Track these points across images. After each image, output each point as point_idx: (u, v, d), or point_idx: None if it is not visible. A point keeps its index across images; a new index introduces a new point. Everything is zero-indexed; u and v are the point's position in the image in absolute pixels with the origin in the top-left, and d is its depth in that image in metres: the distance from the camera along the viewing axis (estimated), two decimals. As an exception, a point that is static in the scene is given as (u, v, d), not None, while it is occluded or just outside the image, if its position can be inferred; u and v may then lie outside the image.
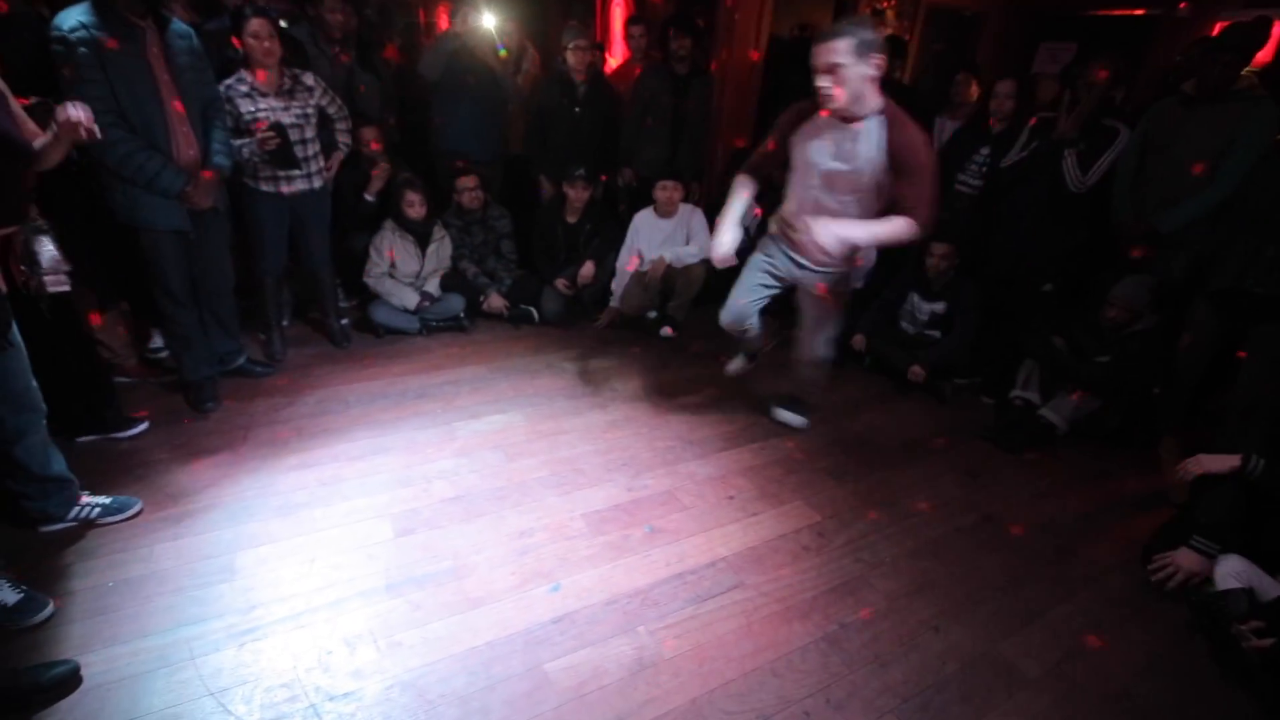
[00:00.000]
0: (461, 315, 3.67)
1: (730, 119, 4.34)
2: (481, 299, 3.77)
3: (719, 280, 4.00)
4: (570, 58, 3.75)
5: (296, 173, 2.88)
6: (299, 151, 2.87)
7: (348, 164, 3.37)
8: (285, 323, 3.44)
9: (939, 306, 3.33)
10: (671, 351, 3.64)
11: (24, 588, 1.75)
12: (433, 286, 3.64)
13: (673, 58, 3.88)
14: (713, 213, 4.10)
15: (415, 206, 3.47)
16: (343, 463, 2.44)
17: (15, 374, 1.81)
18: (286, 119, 2.79)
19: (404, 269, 3.57)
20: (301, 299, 3.65)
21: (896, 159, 2.15)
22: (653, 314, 3.96)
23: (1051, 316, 3.05)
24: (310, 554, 2.01)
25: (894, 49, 3.94)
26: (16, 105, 1.84)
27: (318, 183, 3.02)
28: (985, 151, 3.35)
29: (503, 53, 3.77)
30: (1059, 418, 2.90)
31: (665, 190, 3.71)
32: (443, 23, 5.08)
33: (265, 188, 2.86)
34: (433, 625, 1.80)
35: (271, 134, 2.70)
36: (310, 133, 2.92)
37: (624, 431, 2.80)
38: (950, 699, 1.71)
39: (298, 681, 1.62)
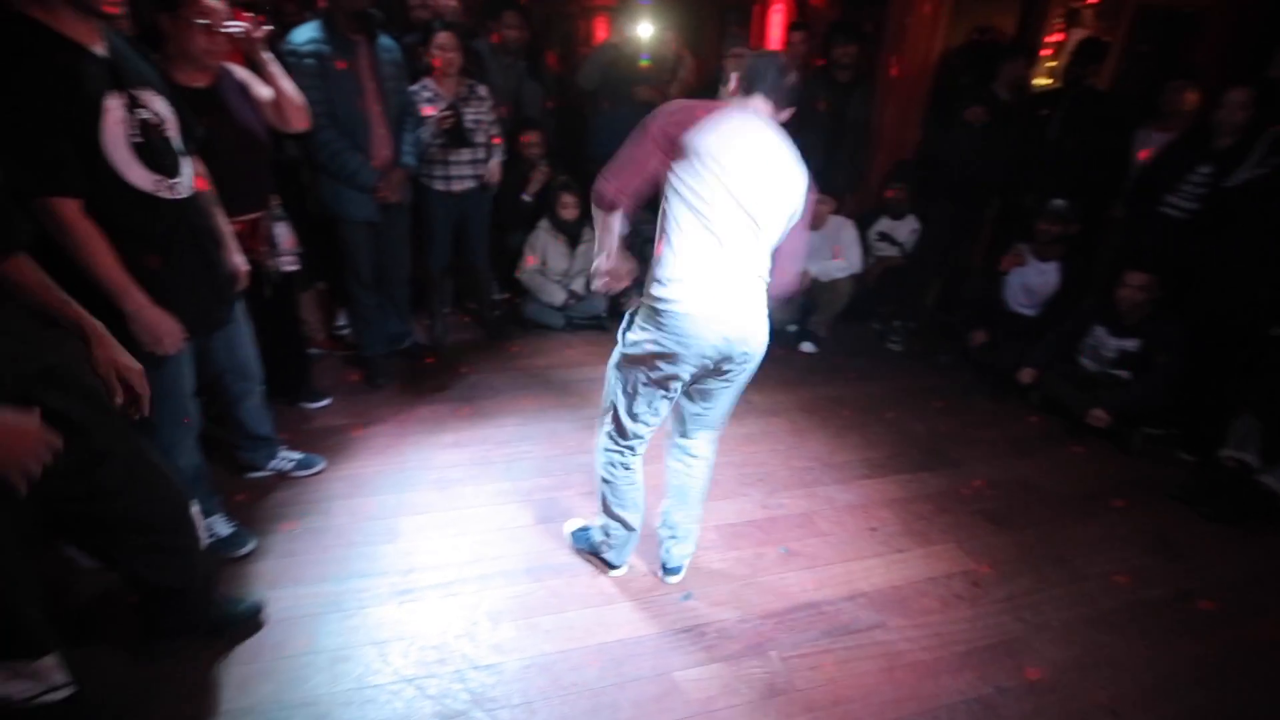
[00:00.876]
0: (603, 314, 3.78)
1: (893, 129, 4.11)
2: (622, 300, 3.85)
3: (864, 297, 3.84)
4: (728, 64, 3.73)
5: (466, 154, 3.09)
6: (468, 155, 3.10)
7: (508, 167, 3.59)
8: (446, 310, 3.72)
9: (1130, 344, 2.93)
10: (811, 368, 3.51)
11: (235, 524, 2.03)
12: (579, 285, 3.78)
13: (835, 65, 3.75)
14: (865, 224, 3.93)
15: (569, 208, 3.63)
16: (491, 446, 2.60)
17: (240, 345, 2.09)
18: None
19: (554, 267, 3.74)
20: (460, 290, 3.94)
21: None
22: (792, 328, 3.85)
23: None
24: (460, 528, 2.15)
25: (1091, 52, 3.54)
26: (259, 88, 2.09)
27: (481, 183, 3.23)
28: (1205, 170, 2.91)
29: (645, 62, 3.83)
30: (1285, 486, 2.44)
31: (813, 204, 3.58)
32: (600, 33, 5.28)
33: (438, 186, 3.12)
34: (568, 614, 1.85)
35: (450, 113, 2.92)
36: (480, 137, 3.14)
37: (759, 446, 2.73)
38: (1133, 797, 1.49)
39: (447, 646, 1.73)
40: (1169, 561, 2.25)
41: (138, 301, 1.49)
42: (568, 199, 3.60)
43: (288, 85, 2.12)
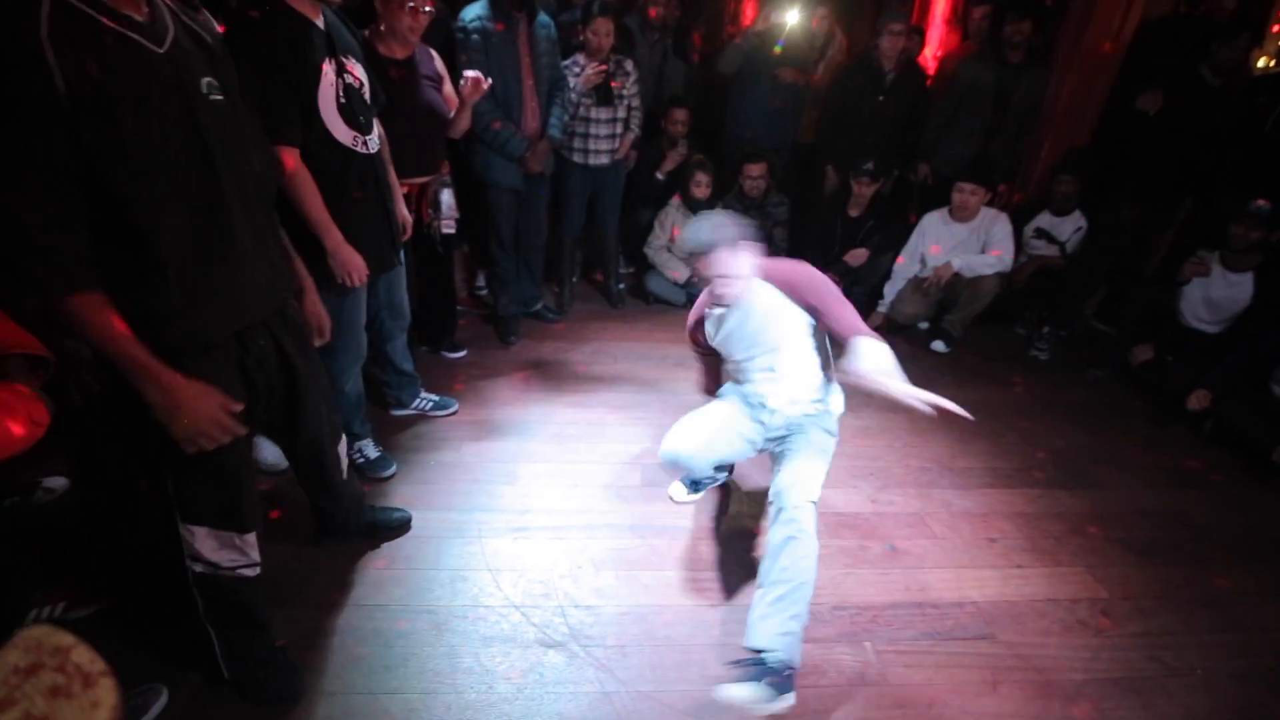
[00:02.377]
0: (725, 295, 3.78)
1: (1068, 115, 3.71)
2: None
3: (1010, 298, 3.54)
4: (884, 42, 3.55)
5: (604, 129, 3.19)
6: (608, 130, 3.20)
7: (646, 143, 3.67)
8: (574, 279, 3.91)
9: (1342, 375, 2.50)
10: (940, 368, 3.32)
11: (381, 449, 2.30)
12: (703, 264, 3.81)
13: (1006, 44, 3.45)
14: (1021, 219, 3.60)
15: (702, 187, 3.65)
16: (607, 409, 2.72)
17: (398, 287, 2.34)
18: None
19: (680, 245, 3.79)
20: (588, 260, 4.11)
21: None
22: (924, 325, 3.65)
23: None
24: (573, 480, 2.30)
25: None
26: (449, 86, 2.36)
27: (614, 159, 3.33)
28: None
29: (778, 49, 3.71)
30: None
31: (963, 193, 3.35)
32: (748, 14, 5.19)
33: (576, 159, 3.26)
34: (667, 572, 1.93)
35: (602, 67, 3.02)
36: (621, 112, 3.23)
37: (875, 441, 2.65)
38: None
39: (552, 582, 1.88)
40: (1361, 629, 1.93)
41: (336, 239, 1.74)
42: (701, 178, 3.63)
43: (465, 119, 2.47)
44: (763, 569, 1.62)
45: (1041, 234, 3.60)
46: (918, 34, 4.20)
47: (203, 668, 1.51)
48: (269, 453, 2.20)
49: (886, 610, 1.86)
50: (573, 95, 3.05)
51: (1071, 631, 1.83)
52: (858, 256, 3.65)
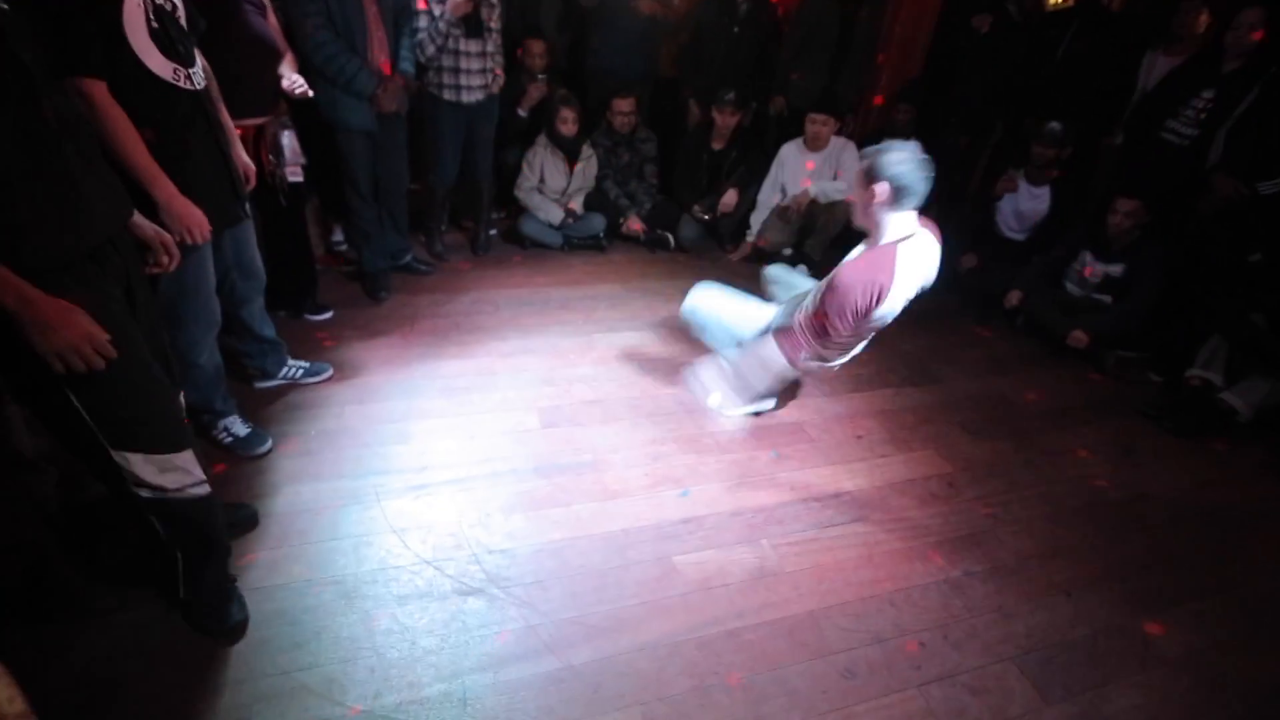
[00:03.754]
0: (601, 235, 3.79)
1: (902, 46, 4.01)
2: (621, 220, 3.86)
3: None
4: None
5: (476, 63, 2.98)
6: (479, 64, 3.00)
7: (506, 79, 3.49)
8: (443, 228, 3.71)
9: (1115, 269, 3.02)
10: (805, 290, 3.58)
11: (251, 424, 2.11)
12: (577, 204, 3.77)
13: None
14: (866, 147, 3.89)
15: (568, 124, 3.56)
16: (495, 358, 2.68)
17: (247, 243, 2.10)
18: None
19: (552, 185, 3.71)
20: (455, 207, 3.90)
21: None
22: (788, 251, 3.89)
23: (1254, 290, 2.69)
24: (469, 431, 2.26)
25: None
26: (274, 15, 2.08)
27: (492, 93, 3.15)
28: (1208, 95, 2.91)
29: None
30: (1244, 403, 2.60)
31: (815, 124, 3.55)
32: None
33: (448, 96, 3.03)
34: (574, 507, 1.99)
35: None
36: (490, 45, 3.04)
37: (754, 362, 2.84)
38: (1076, 659, 1.69)
39: (462, 533, 1.87)
40: (1130, 468, 2.43)
41: (168, 190, 1.51)
42: (567, 114, 3.53)
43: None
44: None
45: (883, 160, 3.92)
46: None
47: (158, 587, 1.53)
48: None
49: (776, 509, 2.06)
50: (441, 25, 2.80)
51: (926, 504, 2.15)
52: (728, 203, 3.78)
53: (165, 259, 1.43)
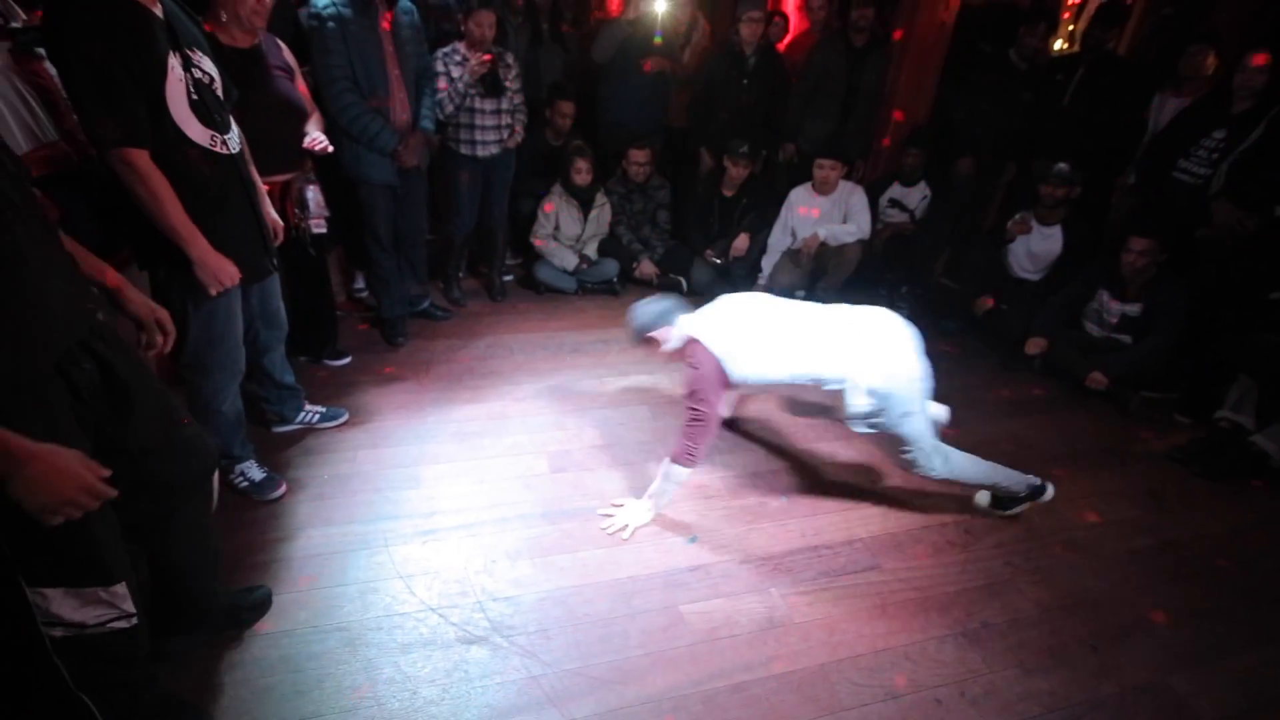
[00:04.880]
0: (614, 279, 3.85)
1: (907, 93, 4.09)
2: (634, 265, 3.92)
3: (872, 263, 3.88)
4: (743, 29, 3.73)
5: (491, 120, 3.11)
6: (494, 121, 3.13)
7: (526, 132, 3.63)
8: (461, 275, 3.81)
9: (1133, 308, 2.98)
10: (818, 332, 3.58)
11: (267, 469, 2.16)
12: (591, 250, 3.85)
13: (851, 28, 3.74)
14: (876, 191, 3.94)
15: (583, 173, 3.67)
16: (508, 402, 2.71)
17: (272, 295, 2.19)
18: None
19: (566, 232, 3.80)
20: (472, 254, 4.01)
21: None
22: (800, 294, 3.90)
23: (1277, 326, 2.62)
24: (479, 476, 2.27)
25: (1111, 15, 3.50)
26: (301, 80, 2.23)
27: (508, 147, 3.27)
28: (1219, 135, 2.91)
29: (658, 39, 3.83)
30: (1277, 447, 2.51)
31: (823, 169, 3.61)
32: (614, 3, 5.24)
33: (464, 151, 3.16)
34: (581, 553, 1.98)
35: (488, 56, 2.93)
36: (505, 103, 3.18)
37: (764, 404, 2.83)
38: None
39: (468, 580, 1.86)
40: (1158, 514, 2.34)
41: (203, 247, 1.61)
42: (582, 164, 3.65)
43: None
44: None
45: (895, 204, 3.96)
46: (781, 18, 4.44)
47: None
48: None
49: (787, 557, 2.02)
50: (460, 86, 2.95)
51: (942, 552, 2.09)
52: (740, 247, 3.84)
53: (159, 338, 1.37)
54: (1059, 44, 4.45)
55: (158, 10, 1.47)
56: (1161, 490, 2.47)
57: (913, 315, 3.72)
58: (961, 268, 3.88)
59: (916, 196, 3.93)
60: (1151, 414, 2.96)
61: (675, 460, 1.97)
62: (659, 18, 3.79)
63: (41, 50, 1.76)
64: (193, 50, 1.56)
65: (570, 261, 3.77)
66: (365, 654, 1.64)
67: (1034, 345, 3.15)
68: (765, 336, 2.02)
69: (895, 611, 1.85)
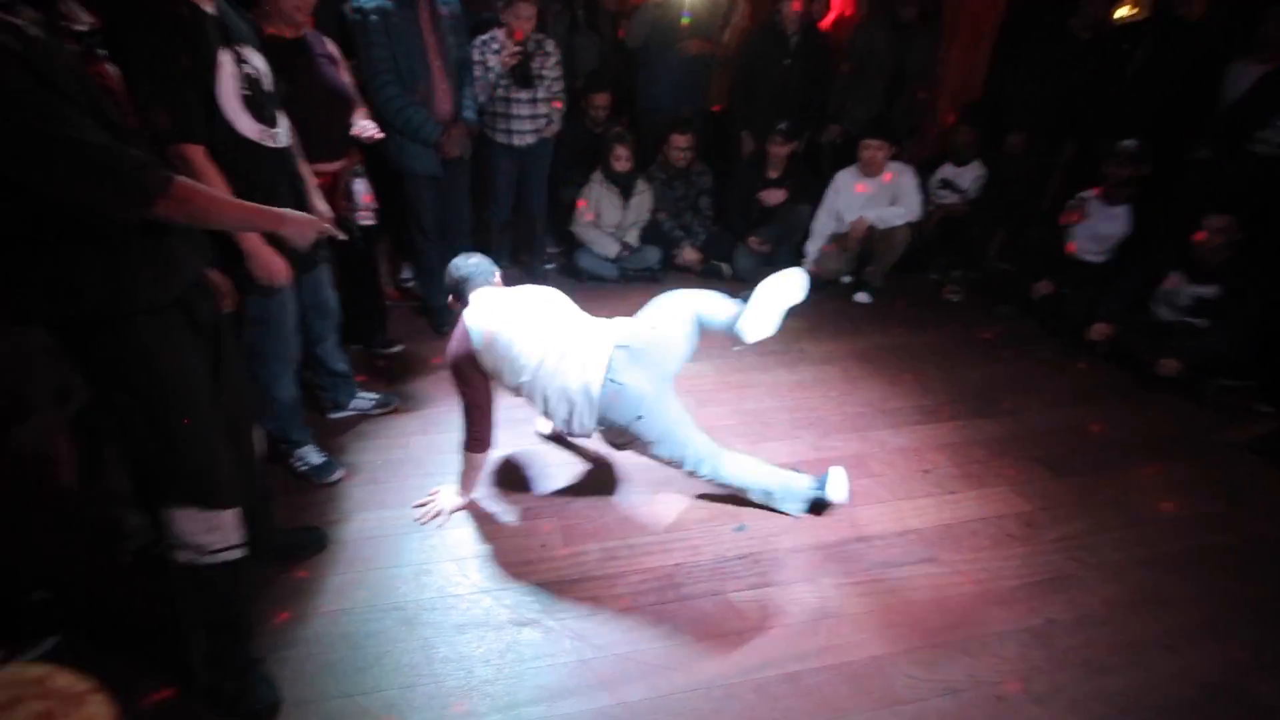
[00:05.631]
0: (656, 266, 3.83)
1: (958, 71, 3.93)
2: (675, 252, 3.89)
3: (923, 246, 3.75)
4: (784, 8, 3.64)
5: (526, 109, 3.13)
6: (529, 110, 3.14)
7: (565, 120, 3.62)
8: (504, 263, 3.84)
9: (1209, 291, 2.81)
10: (866, 318, 3.49)
11: (325, 454, 2.22)
12: (632, 237, 3.83)
13: (898, 3, 3.61)
14: (925, 171, 3.81)
15: (622, 160, 3.65)
16: (552, 389, 2.72)
17: (323, 285, 2.25)
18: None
19: (607, 219, 3.79)
20: (515, 243, 4.04)
21: None
22: (847, 278, 3.82)
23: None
24: (527, 460, 2.30)
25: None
26: (345, 70, 2.26)
27: (540, 137, 3.28)
28: (1305, 103, 2.71)
29: (686, 20, 3.75)
30: (1370, 438, 2.34)
31: (870, 149, 3.51)
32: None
33: (501, 139, 3.18)
34: (631, 539, 1.98)
35: (518, 49, 2.94)
36: (542, 91, 3.18)
37: (812, 392, 2.77)
38: (1182, 723, 1.52)
39: (518, 563, 1.88)
40: (1235, 509, 2.21)
41: (254, 240, 1.65)
42: (621, 151, 3.62)
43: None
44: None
45: (945, 184, 3.82)
46: (817, -1, 4.31)
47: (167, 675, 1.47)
48: None
49: (838, 548, 1.98)
50: (491, 76, 2.97)
51: (1002, 545, 2.01)
52: (773, 198, 3.75)
53: (227, 300, 1.56)
54: (1123, 11, 4.19)
55: (209, 8, 1.51)
56: (1240, 483, 2.33)
57: (966, 300, 3.64)
58: (1018, 250, 3.72)
59: (970, 176, 3.78)
60: (1229, 403, 2.79)
61: (465, 447, 1.98)
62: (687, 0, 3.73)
63: (104, 51, 1.82)
64: (243, 46, 1.59)
65: (611, 249, 3.76)
66: (421, 633, 1.67)
67: (1098, 331, 3.01)
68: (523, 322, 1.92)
69: (953, 605, 1.80)
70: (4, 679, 0.72)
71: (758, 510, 2.10)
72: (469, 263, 2.12)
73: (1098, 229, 3.24)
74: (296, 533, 1.90)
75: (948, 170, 3.82)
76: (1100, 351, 3.08)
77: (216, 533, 1.32)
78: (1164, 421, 2.69)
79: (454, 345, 1.94)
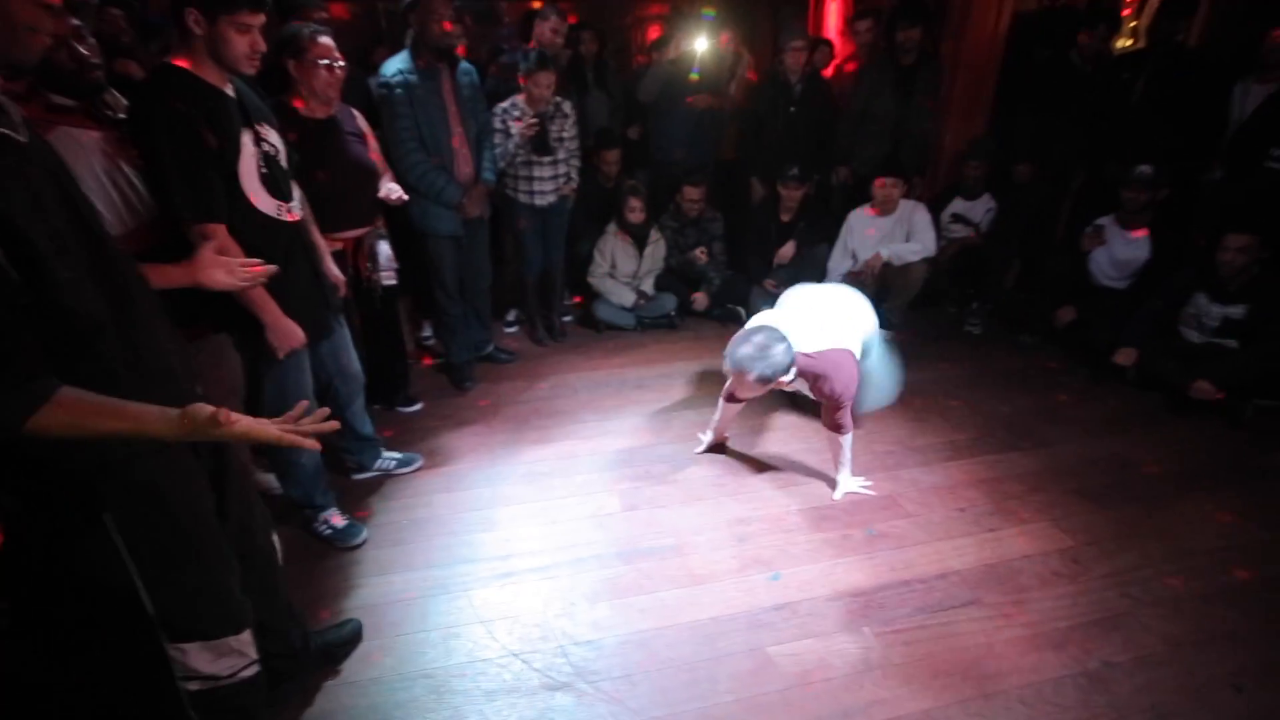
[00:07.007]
0: (673, 313, 3.86)
1: (962, 106, 4.00)
2: (692, 301, 3.93)
3: (939, 280, 3.75)
4: (787, 59, 3.76)
5: (548, 171, 3.23)
6: (550, 172, 3.24)
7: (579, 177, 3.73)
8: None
9: (1236, 310, 2.75)
10: (885, 355, 3.46)
11: (349, 517, 2.21)
12: (648, 286, 3.88)
13: (898, 50, 3.70)
14: (936, 207, 3.83)
15: (636, 212, 3.73)
16: (575, 441, 2.71)
17: (345, 350, 2.28)
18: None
19: (623, 269, 3.85)
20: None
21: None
22: (864, 316, 3.79)
23: None
24: (552, 516, 2.27)
25: (1178, 7, 3.34)
26: (374, 142, 2.37)
27: (560, 196, 3.37)
28: (1314, 120, 2.70)
29: (694, 75, 3.89)
30: None
31: (885, 188, 3.55)
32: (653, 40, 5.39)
33: (523, 199, 3.27)
34: (660, 593, 1.93)
35: (535, 120, 3.05)
36: (562, 154, 3.28)
37: (838, 432, 2.73)
38: (1263, 774, 1.42)
39: (548, 623, 1.84)
40: (1294, 537, 2.11)
41: (274, 314, 1.70)
42: (634, 203, 3.70)
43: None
44: None
45: (957, 218, 3.84)
46: (826, 45, 4.45)
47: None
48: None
49: (877, 593, 1.91)
50: (511, 146, 3.08)
51: (1048, 584, 1.93)
52: (785, 254, 3.80)
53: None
54: (1122, 41, 4.26)
55: (229, 90, 1.58)
56: (1294, 509, 2.23)
57: (986, 332, 3.60)
58: (1038, 279, 3.69)
59: (980, 209, 3.80)
60: (1269, 424, 2.70)
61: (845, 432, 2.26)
62: (696, 57, 3.87)
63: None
64: (261, 125, 1.67)
65: (628, 298, 3.80)
66: (451, 701, 1.63)
67: (1124, 356, 2.95)
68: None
69: (1004, 650, 1.72)
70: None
71: (791, 555, 2.05)
72: (756, 344, 2.05)
73: (1117, 255, 3.22)
74: (332, 631, 1.79)
75: (958, 205, 3.84)
76: (1128, 377, 3.01)
77: (228, 658, 1.26)
78: (1201, 446, 2.60)
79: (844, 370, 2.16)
